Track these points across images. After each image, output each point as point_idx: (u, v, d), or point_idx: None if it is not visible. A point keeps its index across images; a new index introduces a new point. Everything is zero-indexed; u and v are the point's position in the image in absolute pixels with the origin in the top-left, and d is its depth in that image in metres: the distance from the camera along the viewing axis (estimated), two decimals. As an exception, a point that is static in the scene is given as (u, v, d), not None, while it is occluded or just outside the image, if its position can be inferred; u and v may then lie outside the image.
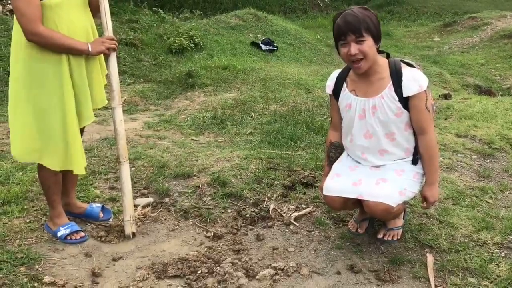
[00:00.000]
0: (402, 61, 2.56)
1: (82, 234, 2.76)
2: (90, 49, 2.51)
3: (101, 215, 2.98)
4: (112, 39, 2.63)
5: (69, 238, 2.71)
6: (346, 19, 2.35)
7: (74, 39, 2.46)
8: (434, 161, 2.55)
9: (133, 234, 2.80)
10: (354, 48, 2.36)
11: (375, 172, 2.58)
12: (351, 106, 2.58)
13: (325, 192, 2.64)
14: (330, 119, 2.80)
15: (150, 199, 3.21)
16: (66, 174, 2.77)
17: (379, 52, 2.51)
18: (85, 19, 2.58)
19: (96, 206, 2.99)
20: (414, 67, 2.55)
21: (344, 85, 2.61)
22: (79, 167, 2.61)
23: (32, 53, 2.42)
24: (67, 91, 2.48)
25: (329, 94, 2.71)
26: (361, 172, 2.61)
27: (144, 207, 3.09)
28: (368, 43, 2.36)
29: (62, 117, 2.50)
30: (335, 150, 2.76)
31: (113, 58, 2.67)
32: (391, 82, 2.46)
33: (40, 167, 2.63)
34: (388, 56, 2.56)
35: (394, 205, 2.45)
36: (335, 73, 2.68)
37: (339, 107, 2.68)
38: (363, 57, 2.38)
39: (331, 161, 2.75)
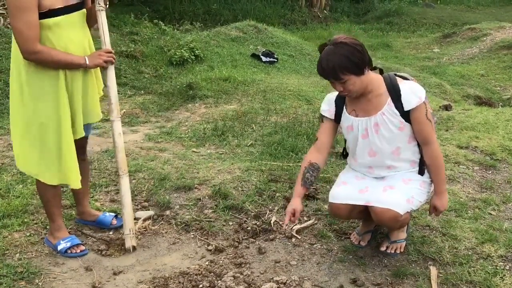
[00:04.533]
0: (396, 75, 2.57)
1: (83, 247, 2.74)
2: (87, 62, 2.52)
3: (114, 222, 3.01)
4: (109, 52, 2.63)
5: (69, 251, 2.69)
6: (323, 66, 2.36)
7: (71, 54, 2.47)
8: (441, 170, 2.56)
9: (134, 247, 2.78)
10: (338, 87, 2.42)
11: (382, 181, 2.58)
12: (353, 127, 2.58)
13: (331, 200, 2.62)
14: (316, 139, 2.71)
15: (151, 212, 3.19)
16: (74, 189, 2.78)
17: (373, 69, 2.51)
18: (83, 36, 2.59)
19: (109, 214, 3.03)
20: (408, 79, 2.56)
21: (344, 107, 2.60)
22: (75, 181, 2.59)
23: (30, 69, 2.43)
24: (63, 106, 2.49)
25: (323, 117, 2.68)
26: (367, 181, 2.61)
27: (144, 220, 3.07)
28: (351, 81, 2.37)
29: (57, 131, 2.51)
30: (313, 172, 2.62)
31: (111, 71, 2.67)
32: (389, 98, 2.47)
33: (38, 181, 2.63)
34: (381, 72, 2.56)
35: (402, 213, 2.44)
36: (331, 97, 2.66)
37: (342, 129, 2.67)
38: (347, 93, 2.43)
39: (305, 182, 2.62)
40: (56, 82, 2.46)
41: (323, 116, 2.68)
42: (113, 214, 3.06)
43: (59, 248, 2.69)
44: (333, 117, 2.64)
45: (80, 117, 2.60)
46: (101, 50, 2.62)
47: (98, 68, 2.67)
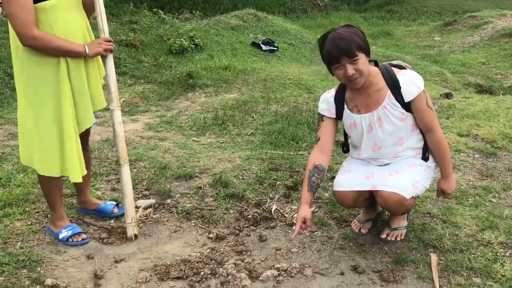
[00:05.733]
0: (391, 64, 2.55)
1: (84, 236, 2.75)
2: (87, 51, 2.49)
3: (115, 210, 3.02)
4: (109, 41, 2.62)
5: (71, 240, 2.70)
6: (336, 43, 2.31)
7: (70, 41, 2.44)
8: (446, 155, 2.56)
9: (135, 236, 2.79)
10: (350, 70, 2.34)
11: (387, 167, 2.58)
12: (356, 124, 2.56)
13: (336, 188, 2.62)
14: (317, 138, 2.65)
15: (152, 201, 3.20)
16: None
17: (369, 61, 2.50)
18: (80, 20, 2.56)
19: (110, 203, 3.04)
20: (404, 68, 2.55)
21: (345, 105, 2.59)
22: (75, 174, 2.56)
23: (29, 57, 2.40)
24: (64, 95, 2.47)
25: (321, 116, 2.64)
26: (372, 167, 2.61)
27: (145, 208, 3.08)
28: (362, 60, 2.35)
29: (58, 122, 2.49)
30: (318, 175, 2.55)
31: (110, 59, 2.65)
32: (389, 90, 2.46)
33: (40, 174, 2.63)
34: (376, 64, 2.55)
35: (408, 197, 2.44)
36: (329, 96, 2.62)
37: (344, 126, 2.66)
38: (359, 75, 2.37)
39: (312, 186, 2.54)
40: (56, 71, 2.44)
41: (323, 115, 2.64)
42: (114, 203, 3.07)
43: (60, 236, 2.70)
44: (333, 116, 2.61)
45: (88, 104, 2.58)
46: (100, 39, 2.61)
47: (100, 56, 2.65)
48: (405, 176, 2.47)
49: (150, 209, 3.09)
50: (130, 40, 7.62)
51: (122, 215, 2.93)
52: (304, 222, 2.47)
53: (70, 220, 2.84)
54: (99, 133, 4.51)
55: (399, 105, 2.45)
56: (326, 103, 2.62)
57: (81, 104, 2.56)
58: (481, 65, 9.66)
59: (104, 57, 2.63)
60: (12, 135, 4.24)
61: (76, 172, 2.56)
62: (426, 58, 9.89)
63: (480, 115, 4.91)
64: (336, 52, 2.32)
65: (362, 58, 2.34)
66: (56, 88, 2.45)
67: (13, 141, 4.10)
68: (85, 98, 2.57)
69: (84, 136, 2.77)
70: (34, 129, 2.49)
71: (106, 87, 2.72)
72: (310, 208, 2.56)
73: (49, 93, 2.45)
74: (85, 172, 2.66)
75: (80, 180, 2.59)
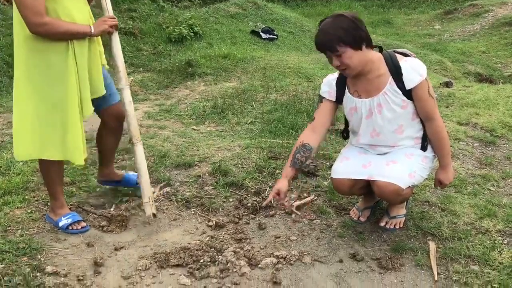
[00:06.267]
0: (395, 51, 2.53)
1: (84, 224, 2.75)
2: (92, 31, 2.53)
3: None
4: (113, 18, 2.65)
5: (70, 228, 2.71)
6: (318, 38, 2.36)
7: (76, 23, 2.47)
8: (445, 145, 2.55)
9: (154, 215, 2.80)
10: (335, 62, 2.39)
11: (385, 156, 2.58)
12: (356, 108, 2.56)
13: (333, 175, 2.63)
14: (312, 118, 2.67)
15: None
16: (105, 149, 2.97)
17: (373, 47, 2.48)
18: (84, 7, 2.59)
19: (133, 174, 3.13)
20: (408, 56, 2.53)
21: (346, 89, 2.58)
22: (78, 157, 2.58)
23: (36, 45, 2.42)
24: (71, 82, 2.49)
25: (321, 97, 2.65)
26: (370, 156, 2.61)
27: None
28: (347, 55, 2.33)
29: (64, 107, 2.51)
30: (304, 153, 2.58)
31: (116, 38, 2.67)
32: (390, 77, 2.44)
33: (41, 160, 2.64)
34: (381, 50, 2.53)
35: (404, 187, 2.45)
36: (332, 79, 2.62)
37: (344, 111, 2.66)
38: (345, 67, 2.39)
39: (295, 162, 2.58)
40: (64, 58, 2.46)
41: (323, 97, 2.65)
42: (135, 173, 3.05)
43: (60, 224, 2.71)
44: (333, 99, 2.61)
45: (87, 94, 2.58)
46: (104, 17, 2.64)
47: (101, 43, 2.69)
48: (402, 166, 2.47)
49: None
50: (129, 28, 7.59)
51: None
52: (278, 194, 2.52)
53: (70, 208, 2.85)
54: (98, 121, 4.49)
55: (400, 92, 2.43)
56: (328, 85, 2.63)
57: (83, 92, 2.56)
58: (481, 54, 9.63)
59: (110, 35, 2.65)
60: (11, 124, 4.23)
61: (78, 156, 2.57)
62: (426, 47, 9.85)
63: (480, 104, 4.91)
64: (319, 47, 2.39)
65: (347, 52, 2.33)
66: (63, 76, 2.47)
67: (13, 143, 4.09)
68: (86, 87, 2.57)
69: (120, 114, 2.84)
70: (36, 114, 2.50)
71: (114, 67, 2.72)
72: (289, 183, 2.59)
73: (56, 80, 2.47)
74: (86, 155, 2.66)
75: (82, 163, 2.60)
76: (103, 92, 2.71)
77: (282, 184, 2.54)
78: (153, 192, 2.92)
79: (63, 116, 2.51)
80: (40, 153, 2.58)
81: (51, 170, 2.68)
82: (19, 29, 2.43)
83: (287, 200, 3.05)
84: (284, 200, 2.58)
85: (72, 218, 2.73)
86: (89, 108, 2.60)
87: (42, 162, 2.65)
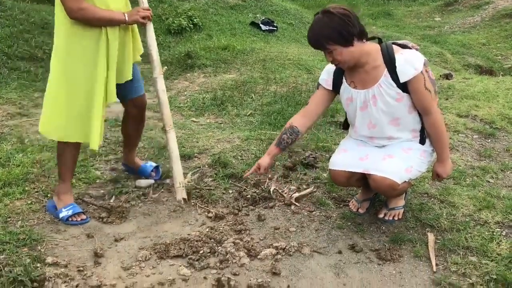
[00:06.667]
0: (395, 43, 2.52)
1: (84, 216, 2.76)
2: (126, 18, 2.66)
3: (153, 174, 3.26)
4: (147, 9, 2.80)
5: (70, 219, 2.72)
6: (308, 37, 2.40)
7: (111, 11, 2.61)
8: (443, 138, 2.53)
9: (184, 200, 2.93)
10: (328, 57, 2.43)
11: (382, 149, 2.58)
12: (352, 99, 2.56)
13: (330, 166, 2.64)
14: (307, 103, 2.73)
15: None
16: (128, 136, 3.15)
17: (371, 38, 2.48)
18: None
19: (150, 164, 3.27)
20: (409, 48, 2.52)
21: (343, 79, 2.58)
22: (95, 142, 2.67)
23: (73, 30, 2.56)
24: (101, 66, 2.61)
25: (319, 84, 2.68)
26: (368, 148, 2.61)
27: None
28: (337, 52, 2.36)
29: (91, 90, 2.62)
30: (290, 135, 2.65)
31: (150, 29, 2.83)
32: (386, 69, 2.43)
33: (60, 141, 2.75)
34: (380, 42, 2.53)
35: (400, 182, 2.45)
36: (331, 68, 2.63)
37: (341, 101, 2.66)
38: (338, 63, 2.43)
39: (280, 142, 2.68)
40: (97, 44, 2.59)
41: (320, 84, 2.67)
42: (154, 164, 3.28)
43: (60, 216, 2.71)
44: (329, 88, 2.63)
45: (113, 80, 2.69)
46: (139, 7, 2.79)
47: (137, 32, 2.85)
48: (398, 161, 2.47)
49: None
50: (128, 20, 7.55)
51: (158, 179, 3.23)
52: (259, 168, 2.68)
53: (74, 199, 2.87)
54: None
55: (394, 84, 2.42)
56: (326, 74, 2.65)
57: (110, 79, 2.67)
58: (482, 46, 9.61)
59: (142, 26, 2.80)
60: (11, 115, 4.23)
61: (96, 140, 2.67)
62: (426, 39, 9.82)
63: (480, 96, 4.91)
64: (310, 43, 2.42)
65: (337, 49, 2.35)
66: (94, 61, 2.60)
67: (12, 121, 4.10)
68: (113, 74, 2.69)
69: (143, 105, 3.05)
70: (65, 96, 2.62)
71: (148, 56, 2.90)
72: (271, 160, 2.73)
73: (88, 65, 2.60)
74: (101, 140, 2.78)
75: (97, 148, 2.70)
76: (130, 77, 2.82)
77: (264, 160, 2.70)
78: (185, 179, 3.02)
79: (89, 99, 2.63)
80: (61, 137, 2.69)
81: (66, 151, 2.77)
82: (60, 16, 2.57)
83: (286, 192, 3.07)
84: (263, 174, 2.77)
85: (73, 210, 2.74)
86: (113, 95, 2.71)
87: (60, 142, 2.75)
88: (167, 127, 2.92)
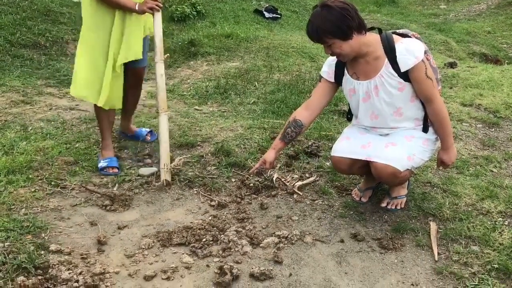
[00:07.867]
0: (395, 33, 2.50)
1: (116, 170, 3.15)
2: (137, 8, 3.03)
3: (148, 137, 3.65)
4: (155, 1, 3.10)
5: (105, 170, 3.12)
6: (307, 31, 2.40)
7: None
8: (446, 126, 2.53)
9: (167, 182, 3.02)
10: (327, 50, 2.43)
11: (385, 137, 2.58)
12: (355, 90, 2.56)
13: (333, 153, 2.65)
14: (309, 96, 2.74)
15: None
16: (125, 103, 3.38)
17: (370, 29, 2.47)
18: None
19: (145, 129, 3.69)
20: (409, 36, 2.50)
21: (345, 70, 2.58)
22: (101, 99, 3.04)
23: (96, 7, 3.00)
24: (114, 37, 3.03)
25: (321, 77, 2.68)
26: (371, 136, 2.61)
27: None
28: (336, 45, 2.36)
29: (105, 57, 3.03)
30: (294, 128, 2.68)
31: (157, 18, 3.13)
32: (386, 59, 2.42)
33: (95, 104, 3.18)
34: (380, 32, 2.51)
35: (402, 169, 2.45)
36: (333, 59, 2.62)
37: (344, 93, 2.65)
38: (337, 55, 2.43)
39: (285, 136, 2.70)
40: (112, 19, 3.02)
41: (321, 76, 2.67)
42: (148, 129, 3.70)
43: (99, 165, 3.16)
44: (331, 79, 2.63)
45: (120, 53, 3.06)
46: None
47: (151, 16, 3.16)
48: (401, 149, 2.47)
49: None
50: (131, 7, 7.51)
51: (154, 140, 3.62)
52: (264, 163, 2.73)
53: (73, 189, 2.89)
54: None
55: (395, 74, 2.42)
56: (328, 66, 2.65)
57: (122, 49, 3.07)
58: (487, 34, 9.53)
59: (153, 16, 3.12)
60: (14, 103, 4.24)
61: (102, 97, 3.06)
62: (431, 27, 9.75)
63: (484, 85, 4.88)
64: (308, 36, 2.42)
65: (336, 43, 2.35)
66: (109, 32, 3.03)
67: (15, 109, 4.10)
68: (118, 47, 3.07)
69: (140, 76, 3.41)
70: (88, 60, 3.04)
71: (153, 42, 3.20)
72: (277, 154, 2.77)
73: (104, 35, 3.03)
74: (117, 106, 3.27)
75: (100, 104, 3.09)
76: (140, 56, 3.16)
77: (269, 154, 2.73)
78: (171, 162, 3.12)
79: (104, 63, 3.03)
80: (85, 96, 3.12)
81: (100, 114, 3.24)
82: None
83: (289, 181, 3.08)
84: (269, 169, 2.80)
85: (109, 162, 3.16)
86: (135, 53, 3.09)
87: (95, 105, 3.18)
88: (160, 109, 3.11)
